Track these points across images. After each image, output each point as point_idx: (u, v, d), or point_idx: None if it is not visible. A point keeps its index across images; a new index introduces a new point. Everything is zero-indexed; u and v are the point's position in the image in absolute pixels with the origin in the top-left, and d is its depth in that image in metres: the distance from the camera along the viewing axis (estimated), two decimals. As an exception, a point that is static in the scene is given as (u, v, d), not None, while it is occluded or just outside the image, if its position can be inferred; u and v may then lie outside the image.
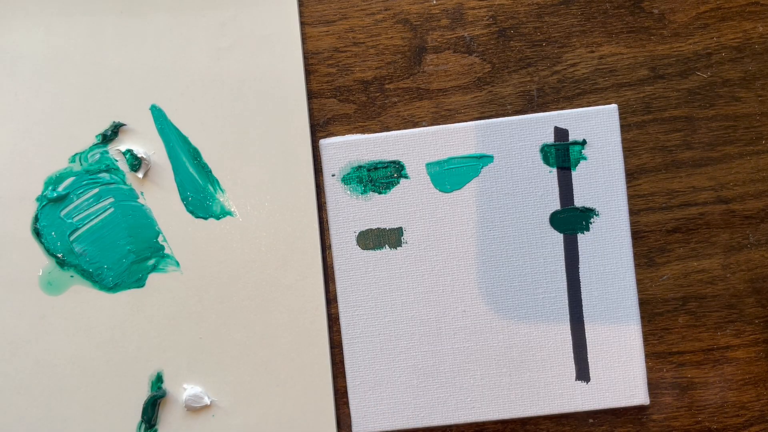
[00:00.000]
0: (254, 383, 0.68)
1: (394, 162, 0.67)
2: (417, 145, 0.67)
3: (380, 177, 0.67)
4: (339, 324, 0.67)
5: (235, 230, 0.68)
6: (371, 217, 0.67)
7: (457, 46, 0.68)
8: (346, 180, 0.67)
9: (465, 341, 0.67)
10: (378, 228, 0.67)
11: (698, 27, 0.68)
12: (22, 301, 0.68)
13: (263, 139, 0.68)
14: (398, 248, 0.67)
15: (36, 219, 0.68)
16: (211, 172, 0.68)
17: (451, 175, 0.66)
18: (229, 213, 0.68)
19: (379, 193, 0.67)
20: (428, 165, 0.66)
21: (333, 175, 0.67)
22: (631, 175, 0.67)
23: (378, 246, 0.67)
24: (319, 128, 0.69)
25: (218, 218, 0.68)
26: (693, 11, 0.68)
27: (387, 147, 0.67)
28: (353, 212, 0.67)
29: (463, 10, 0.68)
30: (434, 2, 0.68)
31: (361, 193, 0.67)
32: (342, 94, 0.69)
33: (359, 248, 0.67)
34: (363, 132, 0.68)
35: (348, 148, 0.67)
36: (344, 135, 0.68)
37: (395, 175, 0.67)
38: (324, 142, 0.67)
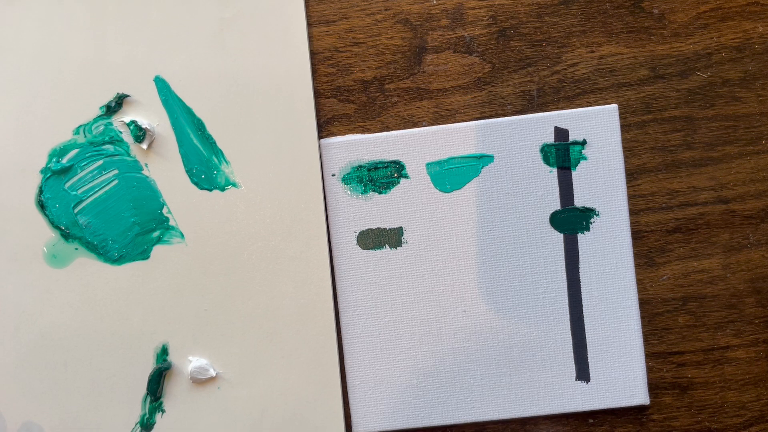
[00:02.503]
0: (260, 355, 0.68)
1: (394, 162, 0.67)
2: (417, 145, 0.67)
3: (380, 177, 0.67)
4: (339, 323, 0.68)
5: (239, 202, 0.68)
6: (371, 216, 0.67)
7: (457, 46, 0.68)
8: (346, 180, 0.67)
9: (465, 341, 0.67)
10: (378, 228, 0.67)
11: (698, 27, 0.68)
12: (27, 274, 0.68)
13: (267, 110, 0.68)
14: (398, 248, 0.67)
15: (40, 191, 0.68)
16: (215, 143, 0.68)
17: (451, 174, 0.67)
18: (234, 184, 0.68)
19: (380, 192, 0.67)
20: (428, 165, 0.67)
21: (333, 175, 0.67)
22: (631, 175, 0.67)
23: (378, 246, 0.67)
24: (320, 128, 0.68)
25: (222, 190, 0.68)
26: (693, 11, 0.68)
27: (387, 147, 0.67)
28: (353, 212, 0.67)
29: (463, 10, 0.68)
30: (434, 2, 0.68)
31: (362, 193, 0.67)
32: (342, 94, 0.69)
33: (359, 248, 0.67)
34: (363, 132, 0.68)
35: (348, 148, 0.67)
36: (344, 135, 0.68)
37: (395, 175, 0.67)
38: (324, 142, 0.67)
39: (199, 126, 0.68)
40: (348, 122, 0.69)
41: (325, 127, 0.68)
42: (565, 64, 0.68)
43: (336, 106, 0.69)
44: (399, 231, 0.67)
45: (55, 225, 0.68)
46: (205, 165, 0.68)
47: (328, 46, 0.69)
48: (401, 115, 0.68)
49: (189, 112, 0.68)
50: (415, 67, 0.69)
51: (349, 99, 0.69)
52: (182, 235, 0.68)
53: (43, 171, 0.68)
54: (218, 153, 0.68)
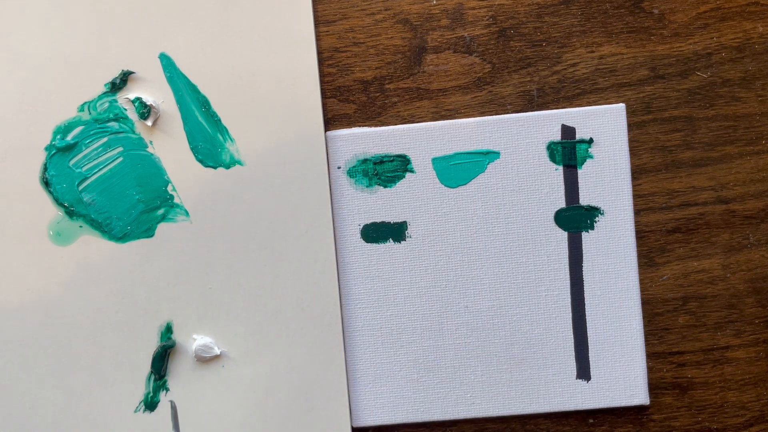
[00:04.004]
0: (264, 333, 0.68)
1: (400, 156, 0.67)
2: (423, 140, 0.67)
3: (386, 170, 0.67)
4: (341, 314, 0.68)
5: (244, 179, 0.67)
6: (376, 210, 0.67)
7: (457, 46, 0.68)
8: (351, 173, 0.67)
9: (466, 337, 0.67)
10: (382, 221, 0.67)
11: (698, 27, 0.68)
12: (31, 251, 0.67)
13: (272, 87, 0.67)
14: (402, 242, 0.67)
15: (45, 168, 0.67)
16: (220, 121, 0.67)
17: (456, 170, 0.67)
18: (238, 162, 0.67)
19: (385, 186, 0.67)
20: (434, 160, 0.67)
21: (339, 168, 0.67)
22: (631, 175, 0.68)
23: (382, 239, 0.67)
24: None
25: (227, 167, 0.67)
26: (693, 11, 0.68)
27: (393, 141, 0.67)
28: (358, 205, 0.67)
29: (463, 10, 0.68)
30: (434, 2, 0.68)
31: (367, 186, 0.67)
32: (342, 94, 0.69)
33: (363, 241, 0.67)
34: (365, 130, 0.68)
35: (354, 141, 0.67)
36: (351, 128, 0.68)
37: (401, 169, 0.67)
38: (330, 134, 0.67)
39: (204, 103, 0.67)
40: (348, 122, 0.68)
41: (326, 127, 0.68)
42: (565, 64, 0.68)
43: (336, 106, 0.69)
44: (403, 225, 0.67)
45: (59, 202, 0.67)
46: (209, 142, 0.67)
47: (328, 46, 0.69)
48: (401, 115, 0.68)
49: (194, 89, 0.67)
50: (415, 67, 0.69)
51: (349, 99, 0.69)
52: (187, 213, 0.67)
53: (48, 148, 0.67)
54: (223, 130, 0.67)
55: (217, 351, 0.67)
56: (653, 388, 0.68)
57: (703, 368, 0.68)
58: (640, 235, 0.68)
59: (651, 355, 0.68)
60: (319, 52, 0.68)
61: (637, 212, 0.68)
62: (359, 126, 0.68)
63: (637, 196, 0.68)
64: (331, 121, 0.68)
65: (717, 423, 0.68)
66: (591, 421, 0.68)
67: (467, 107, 0.68)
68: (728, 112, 0.68)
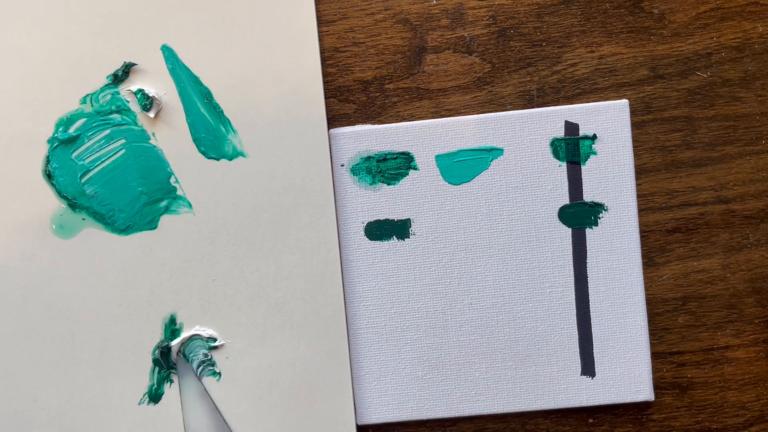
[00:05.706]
0: (268, 325, 0.67)
1: (403, 153, 0.67)
2: (427, 137, 0.67)
3: (389, 168, 0.67)
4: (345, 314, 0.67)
5: (247, 171, 0.67)
6: (379, 207, 0.67)
7: (457, 46, 0.68)
8: (355, 170, 0.67)
9: (471, 334, 0.67)
10: (386, 219, 0.67)
11: (698, 27, 0.68)
12: (34, 244, 0.67)
13: (275, 79, 0.67)
14: (406, 239, 0.67)
15: (47, 161, 0.67)
16: (222, 112, 0.67)
17: (460, 167, 0.67)
18: (241, 154, 0.67)
19: (388, 184, 0.67)
20: (438, 157, 0.67)
21: (342, 165, 0.67)
22: (634, 171, 0.68)
23: (386, 237, 0.67)
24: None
25: (230, 159, 0.67)
26: (693, 11, 0.68)
27: (397, 138, 0.67)
28: (362, 203, 0.67)
29: (463, 10, 0.68)
30: (434, 2, 0.68)
31: (370, 184, 0.67)
32: (342, 94, 0.69)
33: (367, 239, 0.67)
34: (366, 128, 0.68)
35: (358, 139, 0.67)
36: (354, 125, 0.68)
37: (404, 167, 0.67)
38: (334, 132, 0.67)
39: (206, 95, 0.67)
40: (348, 122, 0.68)
41: (327, 127, 0.68)
42: (565, 64, 0.68)
43: (336, 106, 0.69)
44: (407, 222, 0.67)
45: (62, 195, 0.67)
46: (212, 134, 0.67)
47: (328, 46, 0.69)
48: (401, 115, 0.68)
49: (196, 80, 0.67)
50: (415, 67, 0.69)
51: (349, 99, 0.69)
52: (190, 205, 0.67)
53: (50, 141, 0.67)
54: (225, 122, 0.67)
55: (221, 343, 0.67)
56: (653, 387, 0.68)
57: (703, 368, 0.68)
58: (640, 235, 0.68)
59: (651, 355, 0.68)
60: (320, 52, 0.68)
61: (637, 212, 0.68)
62: (362, 124, 0.68)
63: (637, 196, 0.68)
64: (331, 121, 0.68)
65: (717, 423, 0.68)
66: (591, 420, 0.68)
67: (467, 107, 0.68)
68: (728, 112, 0.68)
